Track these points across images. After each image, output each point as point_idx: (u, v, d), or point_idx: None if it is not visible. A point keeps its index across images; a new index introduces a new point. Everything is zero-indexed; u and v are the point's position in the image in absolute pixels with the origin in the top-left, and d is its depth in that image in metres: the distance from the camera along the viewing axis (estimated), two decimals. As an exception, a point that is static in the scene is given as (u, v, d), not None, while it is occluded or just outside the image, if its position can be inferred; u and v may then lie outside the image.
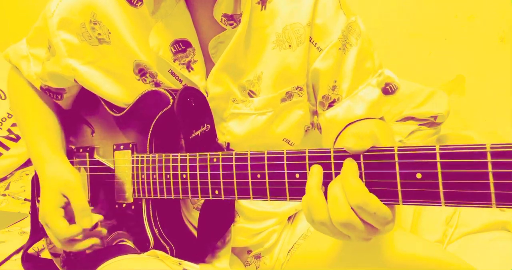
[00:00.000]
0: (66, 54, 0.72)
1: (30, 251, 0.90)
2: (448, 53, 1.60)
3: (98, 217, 0.73)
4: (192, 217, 0.74)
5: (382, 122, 0.74)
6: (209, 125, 0.69)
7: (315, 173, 0.49)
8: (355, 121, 0.72)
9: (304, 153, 0.51)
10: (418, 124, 1.40)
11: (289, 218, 0.82)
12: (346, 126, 0.73)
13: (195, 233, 0.73)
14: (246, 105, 0.71)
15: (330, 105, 0.73)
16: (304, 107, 0.74)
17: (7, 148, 1.53)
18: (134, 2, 0.68)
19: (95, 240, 0.72)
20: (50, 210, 0.70)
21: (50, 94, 0.80)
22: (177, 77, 0.70)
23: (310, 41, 0.69)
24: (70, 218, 0.71)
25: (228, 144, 0.73)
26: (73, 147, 0.81)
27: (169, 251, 0.66)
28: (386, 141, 0.63)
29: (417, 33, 1.61)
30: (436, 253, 0.64)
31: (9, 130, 1.55)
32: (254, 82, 0.70)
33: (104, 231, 0.73)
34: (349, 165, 0.46)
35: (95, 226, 0.72)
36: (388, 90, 0.73)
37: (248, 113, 0.71)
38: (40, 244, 0.91)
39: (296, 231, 0.80)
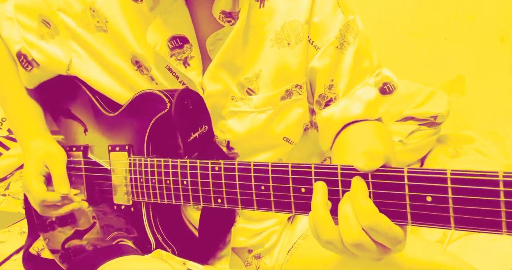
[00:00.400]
0: (69, 35, 0.73)
1: (31, 251, 0.90)
2: (448, 53, 1.60)
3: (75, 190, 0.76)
4: (192, 217, 0.74)
5: (382, 127, 0.74)
6: (207, 126, 0.69)
7: (320, 190, 0.47)
8: (353, 122, 0.72)
9: (310, 167, 0.49)
10: (418, 124, 1.40)
11: (288, 218, 0.82)
12: (345, 127, 0.73)
13: (196, 233, 0.73)
14: (246, 103, 0.71)
15: (327, 104, 0.73)
16: (304, 106, 0.74)
17: (7, 148, 1.53)
18: None
19: (74, 205, 0.74)
20: (30, 175, 0.73)
21: (22, 61, 0.78)
22: (173, 73, 0.70)
23: (307, 39, 0.69)
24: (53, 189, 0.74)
25: (228, 142, 0.73)
26: (66, 146, 0.80)
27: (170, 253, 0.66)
28: (393, 157, 0.62)
29: (417, 33, 1.61)
30: (437, 255, 0.64)
31: (9, 130, 1.55)
32: (252, 80, 0.70)
33: (86, 219, 0.76)
34: (358, 185, 0.45)
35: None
36: (385, 90, 0.73)
37: (248, 112, 0.71)
38: (40, 244, 0.91)
39: (296, 231, 0.80)
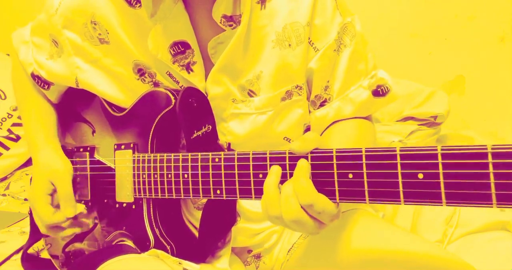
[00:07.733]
0: (73, 52, 0.73)
1: (30, 251, 0.90)
2: (448, 53, 1.60)
3: (81, 207, 0.77)
4: (192, 216, 0.74)
5: (363, 123, 0.75)
6: (210, 126, 0.70)
7: (274, 173, 0.52)
8: (340, 120, 0.75)
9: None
10: (418, 124, 1.39)
11: (289, 218, 0.82)
12: (331, 124, 0.75)
13: (195, 233, 0.73)
14: (246, 105, 0.71)
15: (321, 104, 0.74)
16: (304, 106, 0.74)
17: (7, 148, 1.53)
18: (133, 3, 0.68)
19: (77, 230, 0.75)
20: (38, 196, 0.74)
21: (38, 81, 0.81)
22: (174, 79, 0.70)
23: (308, 40, 0.69)
24: (57, 205, 0.75)
25: (229, 144, 0.73)
26: (74, 147, 0.81)
27: (169, 251, 0.66)
28: (358, 142, 0.65)
29: (417, 33, 1.61)
30: (435, 250, 0.64)
31: (9, 130, 1.55)
32: (253, 82, 0.70)
33: (87, 221, 0.76)
34: (301, 166, 0.50)
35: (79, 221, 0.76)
36: (379, 92, 0.74)
37: (249, 113, 0.71)
38: (40, 244, 0.91)
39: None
